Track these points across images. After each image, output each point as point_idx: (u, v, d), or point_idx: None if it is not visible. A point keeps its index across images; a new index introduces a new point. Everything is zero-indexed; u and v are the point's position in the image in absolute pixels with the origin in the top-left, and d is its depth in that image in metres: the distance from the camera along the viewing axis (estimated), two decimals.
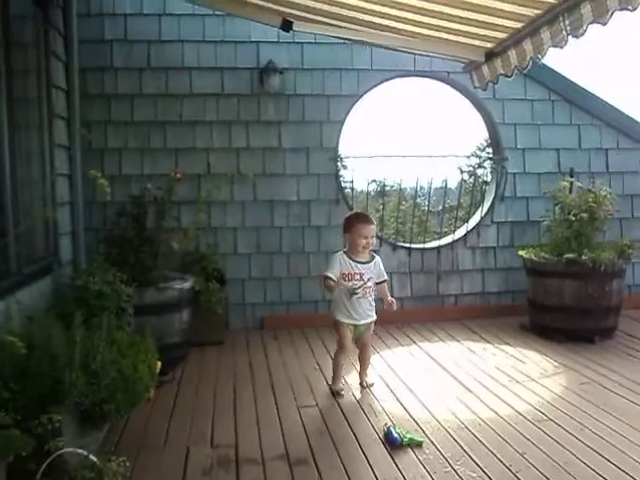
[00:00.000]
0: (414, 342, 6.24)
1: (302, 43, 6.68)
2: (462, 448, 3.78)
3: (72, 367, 3.03)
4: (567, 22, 4.14)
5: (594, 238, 6.29)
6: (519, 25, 4.78)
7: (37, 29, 5.26)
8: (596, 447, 3.73)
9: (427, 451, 3.76)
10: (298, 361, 5.67)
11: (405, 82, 7.31)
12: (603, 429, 4.00)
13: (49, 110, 5.39)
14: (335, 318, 4.84)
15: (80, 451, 2.88)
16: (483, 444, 3.83)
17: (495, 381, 5.03)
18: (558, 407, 4.42)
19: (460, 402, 4.56)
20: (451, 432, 4.02)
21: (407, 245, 7.24)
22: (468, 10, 4.60)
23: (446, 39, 5.56)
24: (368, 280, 4.81)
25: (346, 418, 4.31)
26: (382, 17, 5.15)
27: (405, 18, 5.07)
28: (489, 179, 7.70)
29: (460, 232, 7.35)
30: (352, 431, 4.08)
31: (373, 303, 4.89)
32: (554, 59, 8.32)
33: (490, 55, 5.66)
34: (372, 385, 4.93)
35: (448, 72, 6.89)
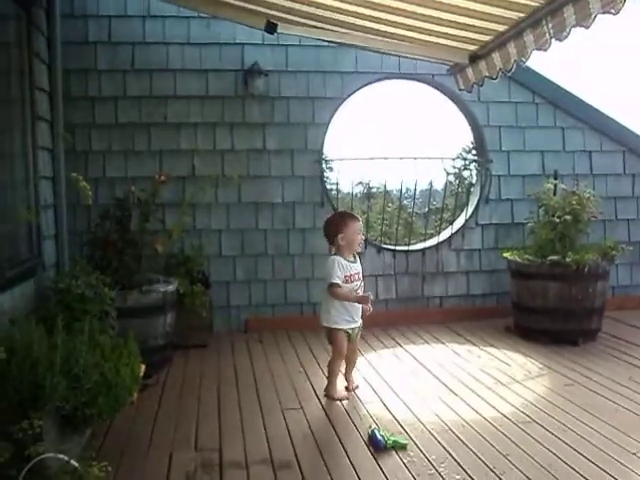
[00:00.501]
0: (399, 344, 6.24)
1: (287, 45, 6.66)
2: (446, 450, 3.78)
3: (53, 371, 3.00)
4: (550, 25, 4.16)
5: (578, 240, 6.31)
6: (503, 28, 4.80)
7: (20, 29, 5.22)
8: (579, 448, 3.74)
9: (411, 453, 3.75)
10: (283, 364, 5.64)
11: (390, 84, 7.33)
12: (586, 430, 4.01)
13: (32, 112, 5.34)
14: (332, 326, 4.74)
15: (61, 456, 2.85)
16: (467, 446, 3.82)
17: (479, 383, 5.03)
18: (542, 408, 4.42)
19: (444, 404, 4.56)
20: (435, 434, 4.02)
21: (392, 247, 7.23)
22: (451, 13, 4.62)
23: (430, 42, 5.58)
24: (361, 279, 4.81)
25: (330, 421, 4.30)
26: (366, 19, 5.16)
27: (389, 20, 5.08)
28: (474, 181, 7.72)
29: (445, 234, 7.36)
30: (336, 434, 4.07)
31: None
32: (538, 62, 8.33)
33: (474, 58, 5.70)
34: (357, 388, 4.91)
35: (433, 74, 6.90)
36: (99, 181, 6.36)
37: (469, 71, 5.90)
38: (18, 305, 4.52)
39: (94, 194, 6.20)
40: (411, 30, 5.27)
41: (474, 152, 8.49)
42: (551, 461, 3.57)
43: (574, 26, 3.92)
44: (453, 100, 7.23)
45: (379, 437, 3.84)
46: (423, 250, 7.20)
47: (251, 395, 4.84)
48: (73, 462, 2.84)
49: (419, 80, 7.16)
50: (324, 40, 6.12)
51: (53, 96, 5.81)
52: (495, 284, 7.21)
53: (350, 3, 4.80)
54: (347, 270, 4.71)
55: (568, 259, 5.98)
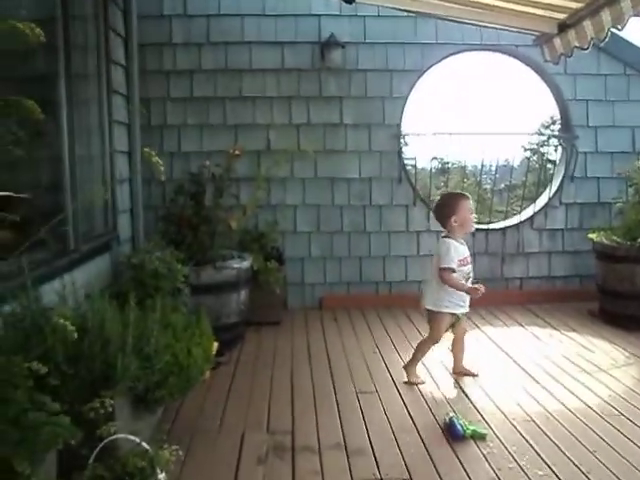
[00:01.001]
0: (477, 327, 6.01)
1: (364, 16, 6.46)
2: (528, 442, 3.58)
3: (125, 351, 2.94)
4: None
5: None
6: None
7: (96, 3, 5.18)
8: None
9: (491, 444, 3.57)
10: (357, 344, 5.52)
11: (472, 56, 7.03)
12: None
13: (108, 86, 5.31)
14: (437, 310, 4.52)
15: (132, 438, 2.79)
16: (550, 439, 3.61)
17: (562, 370, 4.79)
18: (630, 401, 4.16)
19: (526, 393, 4.35)
20: (516, 425, 3.82)
21: None
22: None
23: (516, 10, 5.29)
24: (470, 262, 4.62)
25: (406, 406, 4.14)
26: None
27: None
28: (557, 158, 7.38)
29: (527, 213, 7.06)
30: (412, 420, 3.91)
31: None
32: (631, 31, 7.87)
33: (563, 26, 5.37)
34: (476, 375, 4.70)
35: (517, 45, 6.57)
36: (174, 155, 6.33)
37: (557, 41, 5.57)
38: (93, 280, 4.52)
39: (169, 168, 6.22)
40: None
41: (558, 127, 8.11)
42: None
43: None
44: (537, 72, 6.89)
45: (457, 425, 3.67)
46: (503, 229, 6.94)
47: (325, 376, 4.73)
48: (144, 444, 2.77)
49: (502, 51, 6.85)
50: (403, 10, 5.87)
51: (129, 70, 5.78)
52: (579, 266, 6.89)
53: None
54: (461, 254, 4.49)
55: None
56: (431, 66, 6.69)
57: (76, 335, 2.64)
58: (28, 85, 3.95)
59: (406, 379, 4.58)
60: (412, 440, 3.65)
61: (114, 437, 2.73)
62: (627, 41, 6.66)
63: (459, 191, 4.77)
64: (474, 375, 4.69)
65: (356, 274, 6.71)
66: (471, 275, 4.55)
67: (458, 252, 4.47)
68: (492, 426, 3.80)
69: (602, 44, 5.13)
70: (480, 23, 5.97)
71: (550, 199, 6.93)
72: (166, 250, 4.48)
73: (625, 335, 5.65)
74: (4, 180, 3.35)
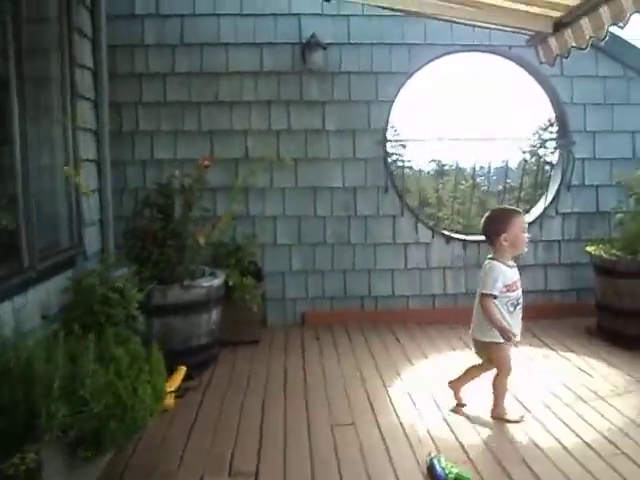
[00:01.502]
0: (467, 346, 5.58)
1: (348, 15, 6.07)
2: None
3: (51, 395, 2.54)
4: None
5: None
6: None
7: (59, 2, 4.80)
8: None
9: None
10: (338, 366, 5.13)
11: (462, 57, 6.64)
12: None
13: (72, 91, 4.94)
14: (491, 340, 4.00)
15: None
16: None
17: (557, 399, 4.39)
18: (631, 436, 3.75)
19: (518, 426, 3.95)
20: (506, 466, 3.41)
21: (462, 237, 6.58)
22: None
23: (508, 8, 4.92)
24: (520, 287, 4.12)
25: (384, 442, 3.73)
26: None
27: None
28: (554, 161, 7.00)
29: None
30: (390, 461, 3.51)
31: None
32: (631, 31, 7.48)
33: (559, 25, 4.99)
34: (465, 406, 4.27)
35: (510, 46, 6.18)
36: (146, 163, 5.97)
37: (552, 41, 5.20)
38: (52, 301, 4.14)
39: (141, 177, 5.91)
40: None
41: (555, 132, 7.75)
42: None
43: None
44: (532, 74, 6.49)
45: (439, 469, 3.27)
46: None
47: (299, 404, 4.33)
48: None
49: (494, 52, 6.44)
50: (389, 9, 5.47)
51: (97, 73, 5.44)
52: (576, 279, 6.49)
53: None
54: (509, 278, 4.02)
55: None
56: (420, 68, 6.29)
57: None
58: None
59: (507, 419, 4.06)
60: None
61: None
62: (626, 41, 6.26)
63: (512, 207, 4.25)
64: (462, 405, 4.28)
65: (340, 289, 6.31)
66: (520, 302, 4.06)
67: (506, 277, 3.99)
68: (479, 469, 3.39)
69: (602, 43, 4.74)
70: (470, 22, 5.59)
71: (546, 208, 6.53)
72: (124, 269, 4.07)
73: (625, 356, 5.25)
74: None
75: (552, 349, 5.52)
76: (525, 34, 5.53)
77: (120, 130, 5.84)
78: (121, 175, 5.82)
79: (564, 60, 5.35)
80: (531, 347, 5.55)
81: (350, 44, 6.13)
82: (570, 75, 6.28)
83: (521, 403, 4.32)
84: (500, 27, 5.51)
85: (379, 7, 5.52)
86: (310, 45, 5.93)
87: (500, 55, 6.45)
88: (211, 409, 4.26)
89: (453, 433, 3.86)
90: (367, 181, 6.24)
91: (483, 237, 4.25)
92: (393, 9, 5.50)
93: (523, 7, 4.93)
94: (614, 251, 5.59)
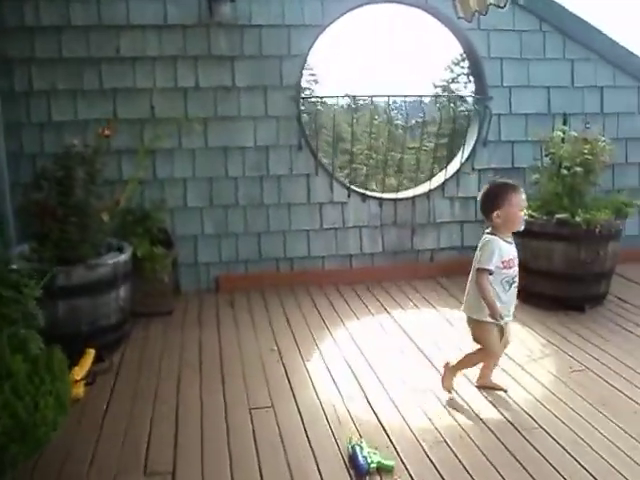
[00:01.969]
0: (385, 309, 5.65)
1: None
2: (439, 472, 3.22)
3: None
4: None
5: (588, 193, 5.67)
6: None
7: None
8: (595, 471, 3.19)
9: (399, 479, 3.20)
10: (255, 338, 5.05)
11: (378, 8, 6.46)
12: (604, 445, 3.43)
13: None
14: (480, 319, 3.94)
15: None
16: (464, 466, 3.26)
17: (476, 368, 4.45)
18: (549, 408, 3.86)
19: (437, 400, 3.99)
20: (426, 449, 3.44)
21: (378, 195, 6.54)
22: None
23: None
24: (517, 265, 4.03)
25: (304, 426, 3.69)
26: None
27: None
28: (466, 97, 6.98)
29: (437, 180, 6.66)
30: (310, 446, 3.48)
31: None
32: None
33: None
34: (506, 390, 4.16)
35: None
36: (44, 127, 5.61)
37: None
38: None
39: (39, 142, 5.57)
40: None
41: (463, 64, 7.69)
42: None
43: None
44: (448, 27, 6.39)
45: (361, 460, 3.25)
46: (413, 198, 6.52)
47: (215, 386, 4.23)
48: None
49: (410, 4, 6.30)
50: None
51: None
52: None
53: None
54: (507, 253, 3.92)
55: (578, 218, 5.32)
56: (334, 20, 6.08)
57: None
58: None
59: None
60: (310, 475, 3.23)
61: None
62: None
63: (509, 181, 4.13)
64: (503, 390, 4.15)
65: (254, 251, 6.20)
66: (516, 280, 3.98)
67: (502, 252, 3.89)
68: (400, 452, 3.41)
69: (521, 1, 4.68)
70: None
71: (462, 165, 6.54)
72: (24, 246, 3.80)
73: (540, 316, 5.39)
74: None
75: None
76: None
77: (12, 90, 5.45)
78: (17, 140, 5.47)
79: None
80: (449, 310, 5.61)
81: None
82: (487, 29, 6.23)
83: (440, 373, 4.35)
84: None
85: None
86: None
87: (416, 7, 6.32)
88: (123, 397, 4.11)
89: (373, 411, 3.87)
90: (280, 140, 6.07)
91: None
92: None
93: None
94: (531, 212, 5.64)
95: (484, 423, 3.72)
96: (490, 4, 4.81)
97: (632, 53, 6.66)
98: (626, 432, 3.56)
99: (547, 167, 5.83)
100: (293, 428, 3.69)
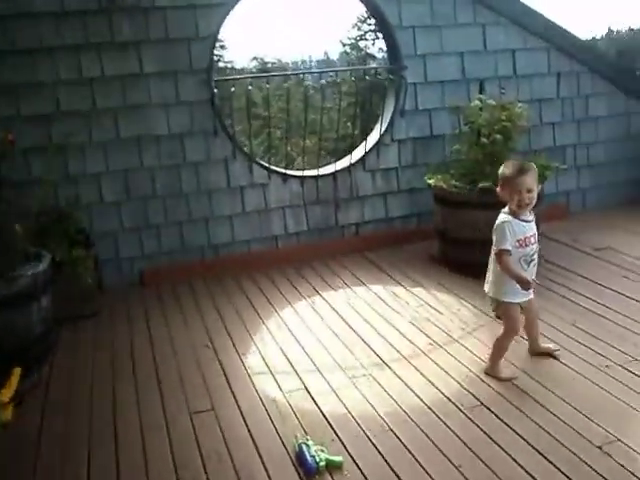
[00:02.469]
0: (315, 290, 5.65)
1: None
2: (387, 463, 3.26)
3: None
4: None
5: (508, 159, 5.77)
6: None
7: None
8: (541, 448, 3.27)
9: (348, 475, 3.21)
10: (187, 334, 4.98)
11: None
12: (546, 418, 3.53)
13: None
14: (503, 300, 4.04)
15: None
16: (409, 452, 3.32)
17: (413, 346, 4.52)
18: (488, 383, 3.96)
19: (377, 383, 4.04)
20: (371, 437, 3.49)
21: (299, 174, 6.49)
22: None
23: None
24: (537, 241, 4.07)
25: (247, 427, 3.68)
26: None
27: None
28: (375, 54, 6.99)
29: (357, 153, 6.65)
30: (256, 447, 3.47)
31: None
32: None
33: None
34: (557, 350, 4.28)
35: None
36: None
37: None
38: None
39: None
40: None
41: (370, 22, 7.66)
42: (512, 473, 3.12)
43: None
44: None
45: (309, 460, 3.26)
46: (334, 174, 6.50)
47: (152, 392, 4.15)
48: None
49: None
50: None
51: None
52: (415, 204, 6.67)
53: None
54: (520, 233, 3.93)
55: None
56: None
57: None
58: None
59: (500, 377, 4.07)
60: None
61: None
62: None
63: (520, 163, 4.10)
64: (556, 352, 4.27)
65: (177, 241, 6.08)
66: (535, 257, 4.01)
67: (516, 231, 3.92)
68: (347, 445, 3.44)
69: None
70: None
71: (381, 136, 6.54)
72: None
73: (470, 284, 5.46)
74: None
75: (400, 284, 5.66)
76: None
77: None
78: None
79: None
80: (379, 285, 5.67)
81: None
82: None
83: (376, 353, 4.44)
84: None
85: None
86: None
87: None
88: (56, 415, 3.97)
89: (316, 404, 3.88)
90: (194, 125, 5.93)
91: None
92: None
93: None
94: (453, 182, 5.72)
95: (426, 405, 3.78)
96: None
97: (540, 14, 6.77)
98: (565, 400, 3.68)
99: (467, 135, 5.90)
100: (236, 430, 3.68)
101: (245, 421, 3.75)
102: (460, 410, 3.70)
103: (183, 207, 6.04)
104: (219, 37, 6.20)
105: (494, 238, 3.97)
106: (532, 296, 4.13)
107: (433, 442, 3.41)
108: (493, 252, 4.00)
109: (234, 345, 4.73)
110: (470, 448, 3.33)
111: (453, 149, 6.02)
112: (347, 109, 14.84)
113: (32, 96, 5.49)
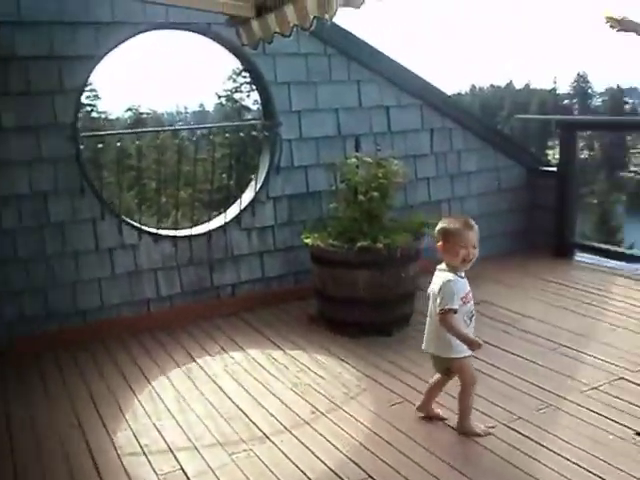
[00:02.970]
0: (191, 357, 5.39)
1: None
2: None
3: None
4: None
5: (386, 216, 5.81)
6: None
7: None
8: None
9: None
10: (50, 412, 4.56)
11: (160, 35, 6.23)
12: None
13: None
14: (456, 357, 3.97)
15: None
16: None
17: (296, 415, 4.36)
18: (373, 451, 3.85)
19: (259, 461, 3.81)
20: None
21: (172, 234, 6.26)
22: None
23: None
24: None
25: None
26: None
27: None
28: (250, 106, 6.95)
29: (232, 212, 6.49)
30: None
31: None
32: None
33: (262, 9, 4.85)
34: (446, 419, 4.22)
35: (209, 23, 5.88)
36: None
37: (255, 24, 5.04)
38: None
39: None
40: None
41: (245, 75, 7.65)
42: None
43: None
44: (234, 53, 6.27)
45: None
46: (209, 233, 6.31)
47: None
48: None
49: (193, 30, 6.07)
50: None
51: None
52: (292, 263, 6.58)
53: None
54: (462, 290, 3.91)
55: (379, 244, 5.42)
56: (111, 49, 5.68)
57: None
58: None
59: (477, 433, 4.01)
60: None
61: None
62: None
63: (463, 217, 4.04)
64: (443, 419, 4.20)
65: (41, 308, 5.66)
66: (474, 313, 3.98)
67: (459, 289, 3.88)
68: None
69: (309, 32, 4.67)
70: (161, 1, 5.24)
71: (257, 194, 6.44)
72: None
73: (350, 346, 5.43)
74: None
75: (279, 347, 5.52)
76: (225, 14, 5.29)
77: None
78: None
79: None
80: (258, 349, 5.49)
81: (24, 23, 5.34)
82: (272, 53, 6.16)
83: (256, 425, 4.23)
84: (194, 7, 5.23)
85: None
86: None
87: (199, 33, 6.11)
88: None
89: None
90: (59, 184, 5.58)
91: None
92: None
93: None
94: (331, 240, 5.67)
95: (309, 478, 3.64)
96: (275, 33, 4.80)
97: (413, 72, 6.95)
98: (451, 465, 3.62)
99: (344, 193, 5.89)
100: None
101: None
102: None
103: (47, 271, 5.65)
104: (90, 88, 5.94)
105: (439, 298, 3.90)
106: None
107: None
108: (438, 312, 3.92)
109: (103, 423, 4.39)
110: None
111: (330, 207, 6.00)
112: (222, 160, 14.82)
113: None
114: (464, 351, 3.96)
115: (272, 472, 3.71)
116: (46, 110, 5.50)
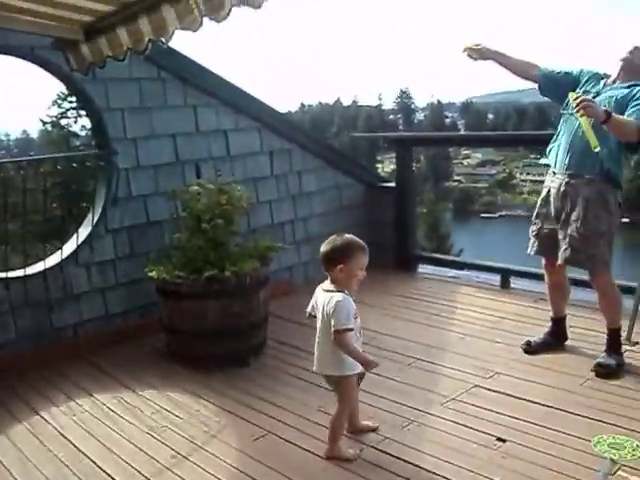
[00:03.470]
0: (34, 410, 4.93)
1: None
2: None
3: None
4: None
5: (231, 244, 5.70)
6: None
7: None
8: None
9: None
10: None
11: None
12: None
13: None
14: (345, 374, 3.98)
15: None
16: None
17: (155, 462, 4.09)
18: None
19: None
20: None
21: (3, 275, 5.76)
22: None
23: (26, 9, 4.35)
24: None
25: None
26: None
27: None
28: (77, 131, 6.63)
29: (68, 248, 6.11)
30: None
31: None
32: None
33: (92, 32, 4.64)
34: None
35: (32, 47, 5.51)
36: None
37: (84, 48, 4.80)
38: None
39: None
40: None
41: (71, 99, 7.34)
42: None
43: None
44: (62, 79, 5.92)
45: None
46: (44, 272, 5.89)
47: None
48: None
49: (14, 54, 5.62)
50: None
51: None
52: (137, 297, 6.28)
53: None
54: (352, 307, 3.93)
55: (227, 272, 5.30)
56: None
57: None
58: None
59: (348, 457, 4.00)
60: None
61: None
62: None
63: (359, 241, 3.97)
64: (374, 429, 4.32)
65: None
66: (361, 330, 4.07)
67: (351, 306, 3.92)
68: None
69: (144, 54, 4.51)
70: None
71: (94, 227, 6.10)
72: None
73: (204, 380, 5.24)
74: None
75: (129, 389, 5.21)
76: (51, 36, 4.99)
77: None
78: None
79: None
80: (108, 394, 5.13)
81: None
82: (103, 78, 5.86)
83: (113, 479, 3.97)
84: (12, 28, 4.90)
85: None
86: None
87: (21, 57, 5.68)
88: None
89: None
90: None
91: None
92: None
93: (41, 7, 4.37)
94: (176, 272, 5.47)
95: None
96: (108, 57, 4.60)
97: (250, 95, 6.90)
98: None
99: (186, 221, 5.71)
100: None
101: None
102: None
103: None
104: None
105: (335, 317, 3.84)
106: None
107: None
108: (334, 332, 3.85)
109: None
110: None
111: (174, 237, 5.80)
112: (53, 189, 14.13)
113: None
114: (355, 367, 3.98)
115: None
116: None
